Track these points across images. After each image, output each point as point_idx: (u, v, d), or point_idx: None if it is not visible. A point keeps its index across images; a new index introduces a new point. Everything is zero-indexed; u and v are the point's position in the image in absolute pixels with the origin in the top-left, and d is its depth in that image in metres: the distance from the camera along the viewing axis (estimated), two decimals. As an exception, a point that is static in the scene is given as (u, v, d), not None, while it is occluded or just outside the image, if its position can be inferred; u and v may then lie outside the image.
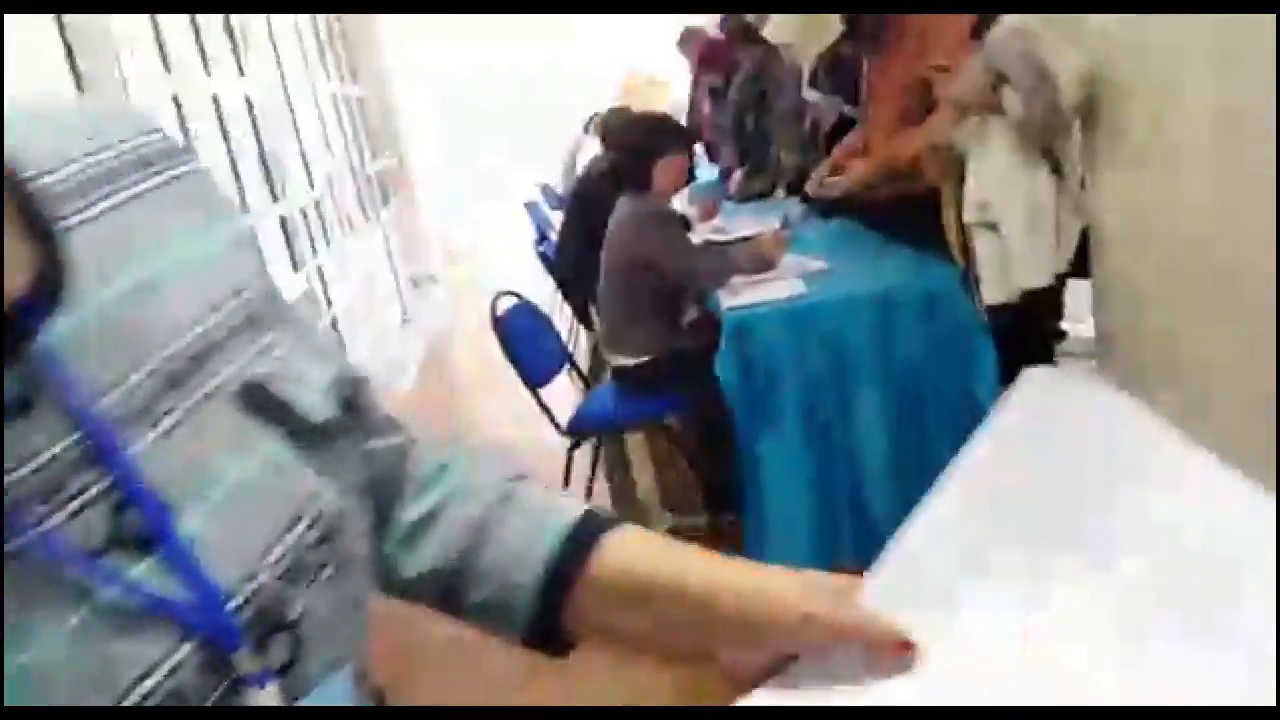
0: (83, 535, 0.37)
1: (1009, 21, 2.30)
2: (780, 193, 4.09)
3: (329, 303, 4.74)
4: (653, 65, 8.63)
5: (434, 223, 8.27)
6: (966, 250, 2.55)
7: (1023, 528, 0.47)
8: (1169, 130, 2.04)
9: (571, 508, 0.58)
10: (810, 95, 3.46)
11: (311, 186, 5.08)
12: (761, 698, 0.47)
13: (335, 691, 0.44)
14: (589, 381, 3.56)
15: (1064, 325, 3.58)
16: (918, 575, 0.48)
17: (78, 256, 0.40)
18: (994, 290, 2.41)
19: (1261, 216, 1.87)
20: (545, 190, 6.95)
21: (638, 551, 0.55)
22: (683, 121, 7.08)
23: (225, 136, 3.89)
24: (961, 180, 2.49)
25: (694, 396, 2.81)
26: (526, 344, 2.98)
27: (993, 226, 2.40)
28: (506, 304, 3.05)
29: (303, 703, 0.42)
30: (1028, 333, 2.55)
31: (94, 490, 0.38)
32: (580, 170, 4.52)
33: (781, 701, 0.47)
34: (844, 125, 3.29)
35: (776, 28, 3.52)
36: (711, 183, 4.80)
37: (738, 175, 4.44)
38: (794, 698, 0.47)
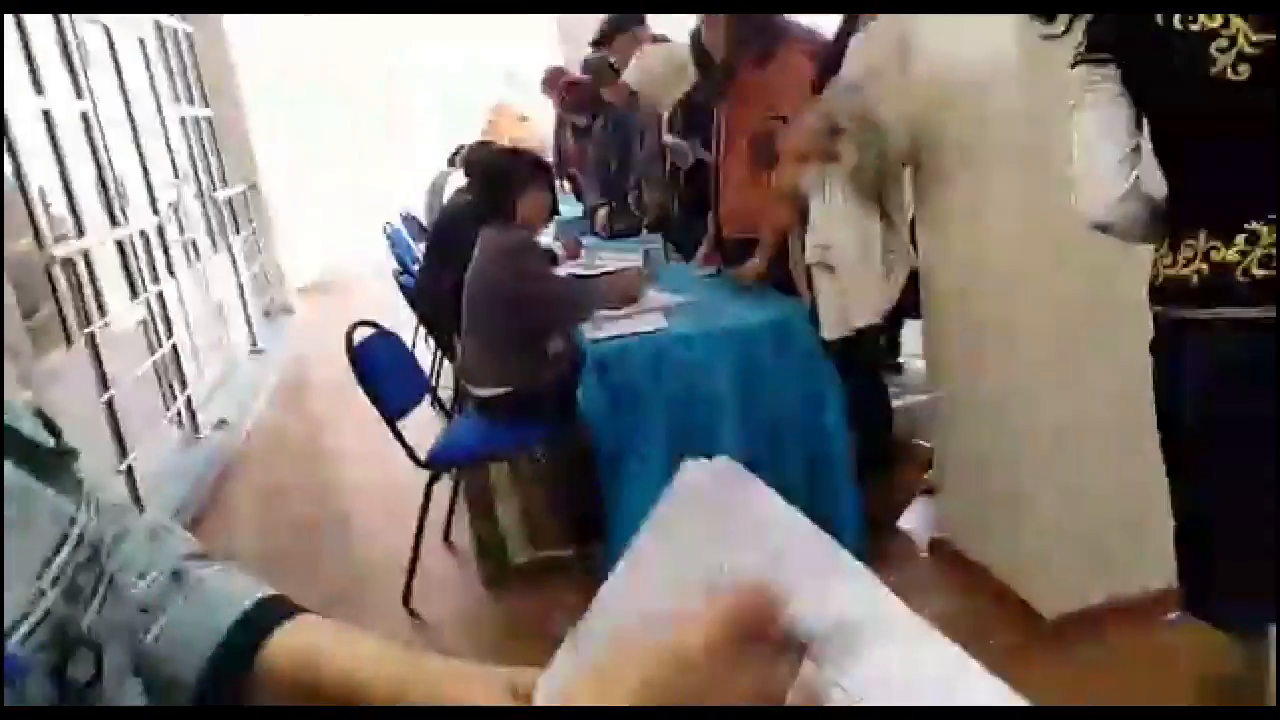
0: None
1: (846, 76, 2.49)
2: (643, 231, 4.21)
3: (169, 331, 4.53)
4: (520, 100, 8.71)
5: (287, 251, 8.00)
6: (811, 287, 2.72)
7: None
8: (976, 173, 2.25)
9: (243, 595, 0.57)
10: (668, 139, 3.60)
11: (155, 212, 4.86)
12: None
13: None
14: (450, 413, 3.55)
15: (902, 359, 3.84)
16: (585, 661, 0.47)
17: None
18: (832, 327, 2.58)
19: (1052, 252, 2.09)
20: (406, 219, 6.86)
21: (310, 644, 0.55)
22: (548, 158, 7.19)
23: (59, 157, 3.69)
24: (806, 224, 2.66)
25: (557, 428, 2.85)
26: (383, 375, 2.95)
27: (831, 268, 2.57)
28: (363, 334, 3.01)
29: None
30: (860, 363, 2.73)
31: None
32: (444, 202, 4.52)
33: None
34: (699, 167, 3.44)
35: (634, 76, 3.63)
36: (576, 219, 4.89)
37: (603, 213, 4.55)
38: None
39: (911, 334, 3.39)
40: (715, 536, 0.48)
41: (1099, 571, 2.25)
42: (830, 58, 2.65)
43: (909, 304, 2.67)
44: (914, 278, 2.58)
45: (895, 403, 3.33)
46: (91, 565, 0.44)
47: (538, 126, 8.70)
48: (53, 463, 0.46)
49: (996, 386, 2.32)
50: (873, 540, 2.72)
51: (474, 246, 3.02)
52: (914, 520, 2.90)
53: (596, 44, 4.42)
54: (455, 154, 5.55)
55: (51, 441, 0.47)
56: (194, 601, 0.55)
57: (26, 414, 0.47)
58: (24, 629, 0.38)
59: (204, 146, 6.48)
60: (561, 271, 3.48)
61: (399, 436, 2.87)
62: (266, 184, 7.74)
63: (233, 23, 7.15)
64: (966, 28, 2.19)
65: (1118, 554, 2.23)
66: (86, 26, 4.29)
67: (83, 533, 0.44)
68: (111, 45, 4.72)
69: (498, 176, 3.05)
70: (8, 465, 0.42)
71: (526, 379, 2.93)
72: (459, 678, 0.52)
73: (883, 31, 2.48)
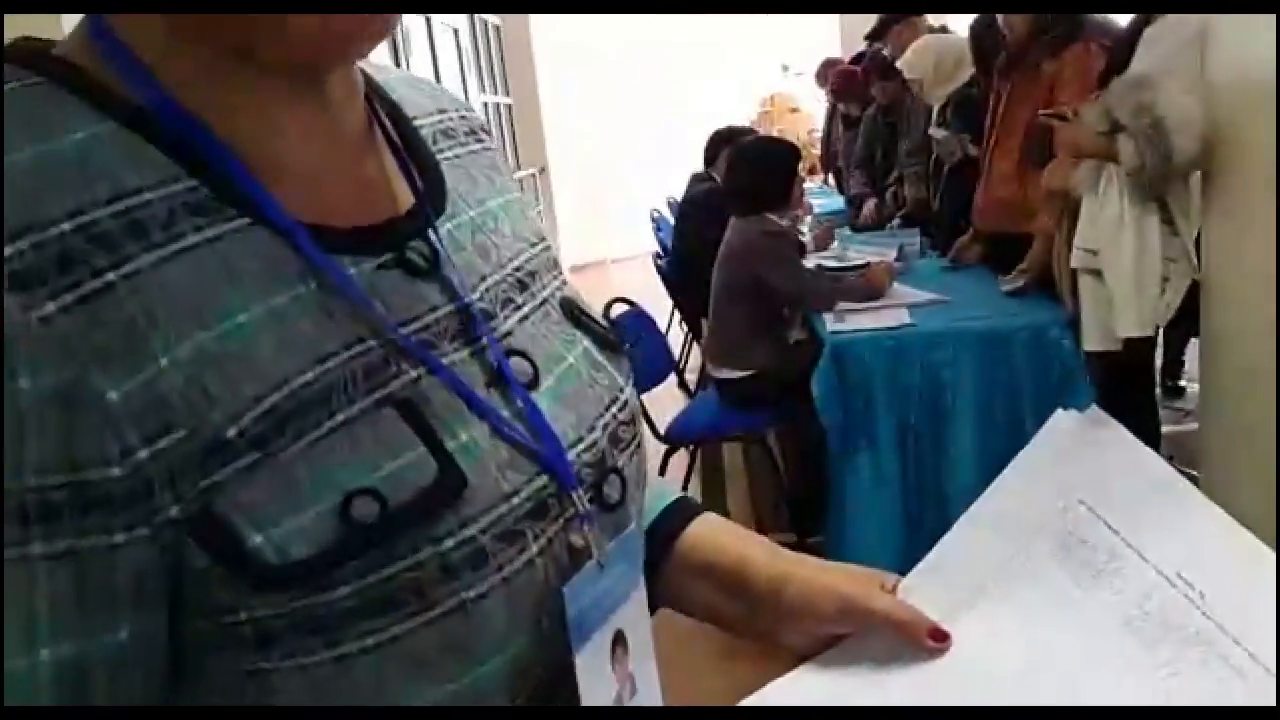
0: (476, 374, 0.47)
1: (1133, 71, 2.31)
2: (896, 222, 4.12)
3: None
4: (791, 91, 8.73)
5: (565, 234, 8.56)
6: (1075, 294, 2.55)
7: (1037, 553, 0.55)
8: (1267, 180, 2.01)
9: (672, 489, 0.69)
10: (936, 133, 3.50)
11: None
12: (796, 676, 0.54)
13: (636, 544, 0.54)
14: (692, 392, 3.69)
15: (1184, 382, 3.49)
16: (944, 583, 0.55)
17: (448, 184, 0.53)
18: (1094, 337, 2.41)
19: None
20: (671, 205, 7.10)
21: (721, 534, 0.64)
22: (816, 149, 7.15)
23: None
24: (1075, 225, 2.50)
25: (791, 414, 2.89)
26: (633, 350, 3.13)
27: (1099, 273, 2.40)
28: (619, 311, 3.21)
29: (620, 537, 0.51)
30: (1128, 381, 2.52)
31: (478, 345, 0.47)
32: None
33: (814, 677, 0.54)
34: (967, 163, 3.32)
35: (909, 65, 3.57)
36: (833, 211, 4.86)
37: (869, 205, 4.49)
38: (824, 676, 0.54)
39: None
40: (1071, 479, 0.55)
41: None
42: (1121, 51, 2.47)
43: (1196, 320, 2.43)
44: (1195, 291, 2.35)
45: (1170, 428, 3.04)
46: (632, 425, 0.56)
47: (806, 119, 8.67)
48: (614, 350, 0.58)
49: (1271, 412, 2.07)
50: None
51: (721, 232, 3.12)
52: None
53: (872, 36, 4.37)
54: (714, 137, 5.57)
55: (613, 336, 0.59)
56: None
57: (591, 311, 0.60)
58: (577, 451, 0.49)
59: (503, 132, 7.10)
60: (810, 262, 3.50)
61: (641, 407, 3.04)
62: (554, 167, 8.33)
63: (536, 16, 7.74)
64: (1265, 23, 1.96)
65: None
66: (408, 16, 4.85)
67: (626, 400, 0.56)
68: (430, 35, 5.29)
69: (761, 164, 3.12)
70: (584, 340, 0.55)
71: (765, 365, 2.99)
72: (834, 569, 0.60)
73: (1178, 24, 2.27)
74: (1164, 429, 2.89)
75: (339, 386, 0.41)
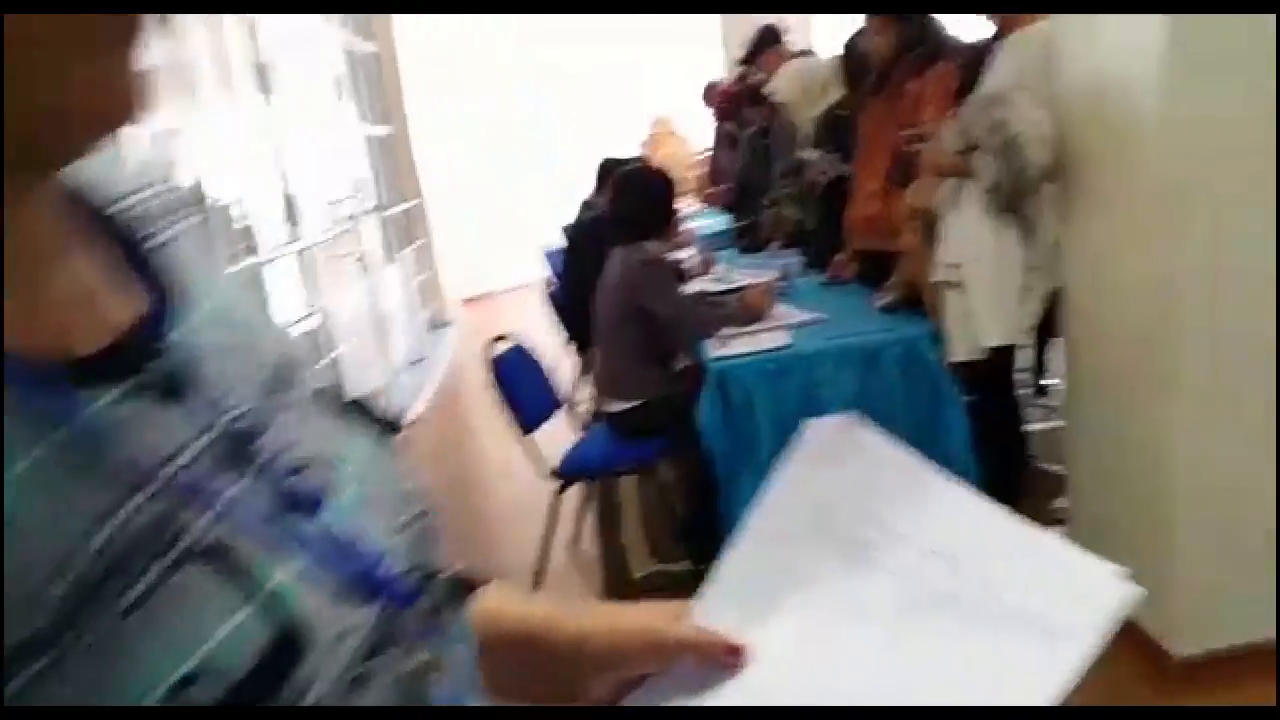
0: (264, 503, 0.40)
1: (985, 89, 2.38)
2: (778, 243, 4.18)
3: (333, 343, 4.85)
4: (674, 116, 8.83)
5: (452, 264, 8.42)
6: (941, 307, 2.61)
7: (814, 554, 0.59)
8: (1126, 191, 2.11)
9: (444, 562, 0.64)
10: (808, 154, 3.56)
11: (329, 224, 5.23)
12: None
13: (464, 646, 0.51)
14: (585, 425, 3.63)
15: (1047, 381, 3.62)
16: (735, 600, 0.58)
17: (175, 275, 0.46)
18: (960, 348, 2.46)
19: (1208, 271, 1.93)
20: (566, 232, 7.06)
21: (507, 603, 0.61)
22: (705, 170, 7.24)
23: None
24: (938, 242, 2.56)
25: (681, 443, 2.87)
26: (519, 388, 3.06)
27: (962, 286, 2.46)
28: (503, 348, 3.14)
29: (448, 645, 0.47)
30: (994, 387, 2.59)
31: (255, 468, 0.40)
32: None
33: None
34: (838, 182, 3.38)
35: (778, 89, 3.64)
36: (720, 232, 4.90)
37: (745, 227, 4.55)
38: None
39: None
40: (833, 480, 0.60)
41: (1236, 612, 2.08)
42: (972, 70, 2.55)
43: (1057, 322, 2.53)
44: (1054, 295, 2.43)
45: (1039, 426, 3.14)
46: (427, 516, 0.51)
47: (693, 141, 8.78)
48: (390, 437, 0.53)
49: (1139, 413, 2.16)
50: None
51: (604, 260, 3.09)
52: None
53: (744, 61, 4.44)
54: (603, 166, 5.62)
55: (391, 417, 0.54)
56: None
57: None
58: (396, 559, 0.45)
59: (378, 163, 6.93)
60: (691, 287, 3.51)
61: (529, 446, 2.97)
62: (439, 198, 8.18)
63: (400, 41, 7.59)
64: (1109, 32, 2.05)
65: (1259, 595, 2.05)
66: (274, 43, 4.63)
67: (418, 489, 0.52)
68: (302, 63, 5.10)
69: (639, 193, 3.12)
70: (360, 434, 0.50)
71: (653, 394, 2.96)
72: (632, 609, 0.59)
73: (1026, 40, 2.36)
74: (1033, 427, 2.99)
75: (127, 553, 0.33)
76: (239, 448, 0.41)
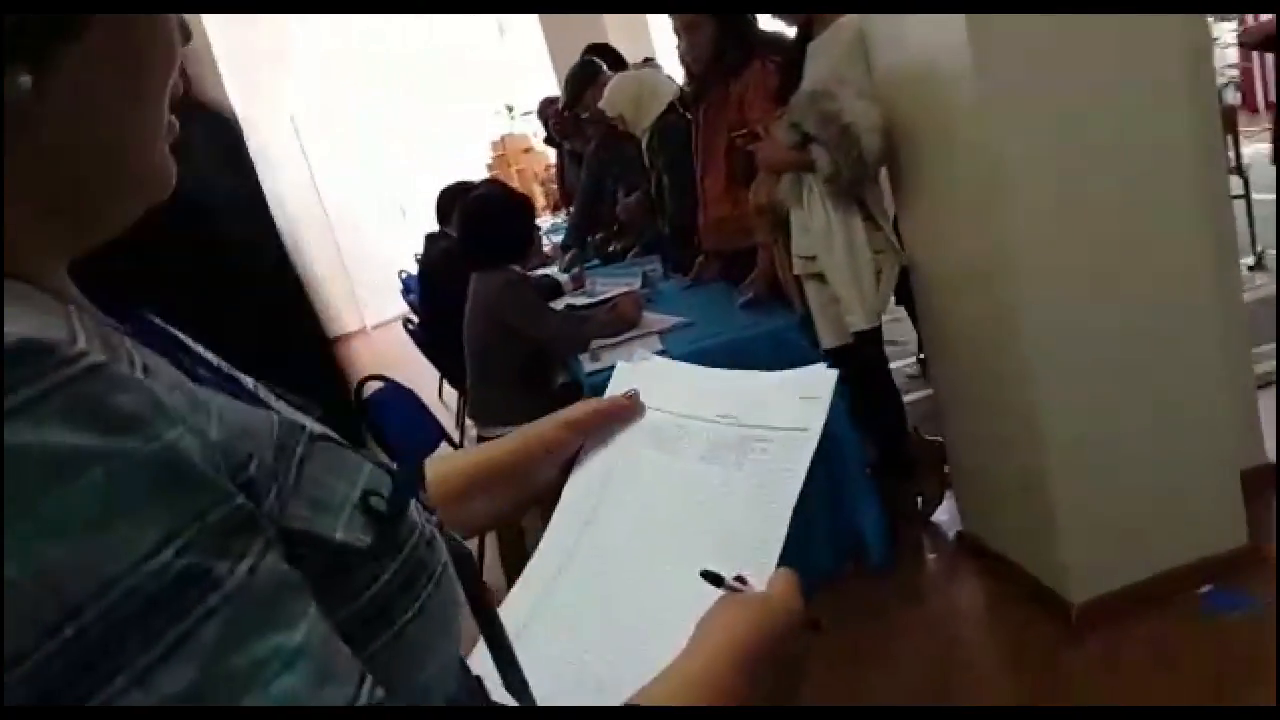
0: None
1: (808, 84, 2.48)
2: (635, 251, 4.22)
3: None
4: (522, 131, 8.80)
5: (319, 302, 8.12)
6: (803, 296, 2.70)
7: (637, 444, 0.78)
8: (950, 167, 2.24)
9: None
10: (622, 204, 3.60)
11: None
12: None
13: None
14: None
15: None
16: (584, 485, 0.78)
17: None
18: (829, 335, 2.55)
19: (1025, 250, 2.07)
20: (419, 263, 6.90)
21: (453, 461, 0.77)
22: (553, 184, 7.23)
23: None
24: (789, 235, 2.65)
25: (568, 462, 2.85)
26: (396, 426, 2.98)
27: (821, 277, 2.55)
28: (373, 388, 3.04)
29: None
30: (866, 368, 2.69)
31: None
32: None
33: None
34: (685, 184, 3.44)
35: (609, 104, 3.65)
36: (582, 252, 4.91)
37: (595, 239, 4.58)
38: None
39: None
40: (642, 396, 0.79)
41: (1123, 552, 2.21)
42: (790, 68, 2.64)
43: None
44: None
45: (918, 395, 3.29)
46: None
47: (540, 157, 8.78)
48: None
49: (993, 372, 2.29)
50: (906, 539, 2.72)
51: (461, 287, 3.04)
52: (943, 514, 2.89)
53: (567, 107, 4.44)
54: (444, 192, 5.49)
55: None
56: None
57: None
58: None
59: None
60: (562, 303, 3.50)
61: (410, 485, 2.89)
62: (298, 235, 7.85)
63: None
64: (915, 26, 2.18)
65: (1140, 533, 2.20)
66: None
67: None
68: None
69: (492, 217, 3.07)
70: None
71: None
72: (540, 423, 0.79)
73: (838, 35, 2.47)
74: (917, 398, 3.12)
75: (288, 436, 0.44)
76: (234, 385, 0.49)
